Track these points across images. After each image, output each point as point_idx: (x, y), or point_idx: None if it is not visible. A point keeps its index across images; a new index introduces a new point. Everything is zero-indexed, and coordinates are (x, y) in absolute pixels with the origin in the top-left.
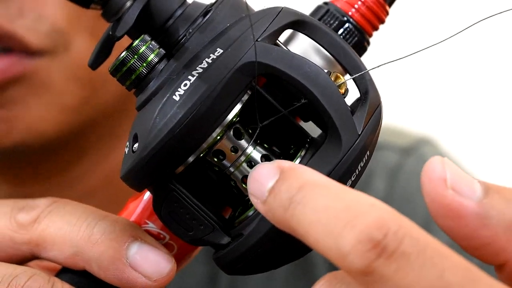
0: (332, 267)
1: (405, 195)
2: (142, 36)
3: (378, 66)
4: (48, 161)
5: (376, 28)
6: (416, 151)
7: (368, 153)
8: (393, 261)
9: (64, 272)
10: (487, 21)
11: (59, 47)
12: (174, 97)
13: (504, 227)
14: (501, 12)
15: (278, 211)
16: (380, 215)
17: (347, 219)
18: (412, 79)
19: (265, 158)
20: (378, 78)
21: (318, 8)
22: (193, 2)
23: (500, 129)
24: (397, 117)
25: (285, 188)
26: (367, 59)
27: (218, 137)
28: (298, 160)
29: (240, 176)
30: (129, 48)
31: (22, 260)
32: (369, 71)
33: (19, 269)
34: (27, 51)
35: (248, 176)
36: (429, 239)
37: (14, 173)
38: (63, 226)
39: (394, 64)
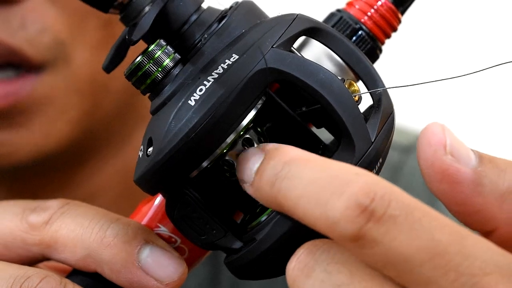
0: None
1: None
2: (158, 40)
3: (397, 87)
4: (51, 173)
5: (388, 36)
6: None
7: (380, 160)
8: (382, 224)
9: (75, 274)
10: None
11: (59, 60)
12: (189, 102)
13: (496, 195)
14: None
15: (264, 189)
16: (366, 181)
17: (333, 188)
18: (412, 74)
19: None
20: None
21: (331, 15)
22: (208, 8)
23: (502, 124)
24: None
25: (270, 166)
26: (379, 66)
27: (232, 143)
28: None
29: None
30: (144, 52)
31: (33, 261)
32: (381, 78)
33: (31, 270)
34: (28, 66)
35: (236, 164)
36: (415, 202)
37: (15, 188)
38: (76, 228)
39: (395, 62)
